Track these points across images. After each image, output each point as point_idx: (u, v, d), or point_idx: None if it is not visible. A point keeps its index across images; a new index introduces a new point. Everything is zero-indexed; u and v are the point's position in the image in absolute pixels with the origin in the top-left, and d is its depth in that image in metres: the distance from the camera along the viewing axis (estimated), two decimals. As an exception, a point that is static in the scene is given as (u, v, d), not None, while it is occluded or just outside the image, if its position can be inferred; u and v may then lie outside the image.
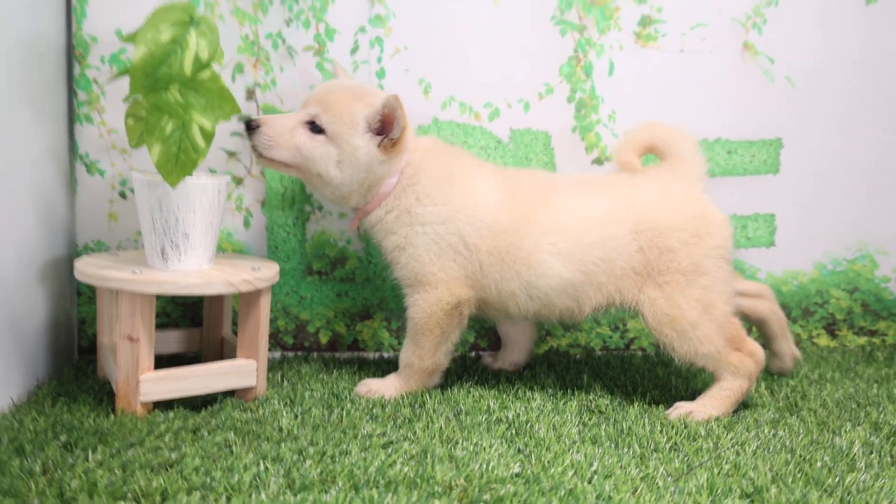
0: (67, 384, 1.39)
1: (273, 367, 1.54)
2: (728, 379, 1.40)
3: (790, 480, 1.08)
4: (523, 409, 1.35)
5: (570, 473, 1.07)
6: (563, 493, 1.00)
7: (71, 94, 1.52)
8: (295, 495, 0.97)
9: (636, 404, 1.41)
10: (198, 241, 1.32)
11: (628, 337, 1.77)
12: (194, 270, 1.32)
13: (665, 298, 1.40)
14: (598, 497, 1.00)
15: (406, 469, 1.06)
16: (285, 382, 1.47)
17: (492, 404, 1.36)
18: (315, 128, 1.37)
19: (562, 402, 1.41)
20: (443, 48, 1.62)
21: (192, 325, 1.61)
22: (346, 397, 1.39)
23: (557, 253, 1.40)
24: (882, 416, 1.37)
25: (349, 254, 1.64)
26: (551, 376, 1.56)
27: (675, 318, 1.39)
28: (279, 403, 1.34)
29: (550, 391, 1.47)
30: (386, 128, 1.37)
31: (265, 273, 1.36)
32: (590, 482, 1.05)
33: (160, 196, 1.27)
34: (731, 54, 1.72)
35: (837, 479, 1.08)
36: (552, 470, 1.08)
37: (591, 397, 1.44)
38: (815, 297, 1.82)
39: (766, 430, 1.29)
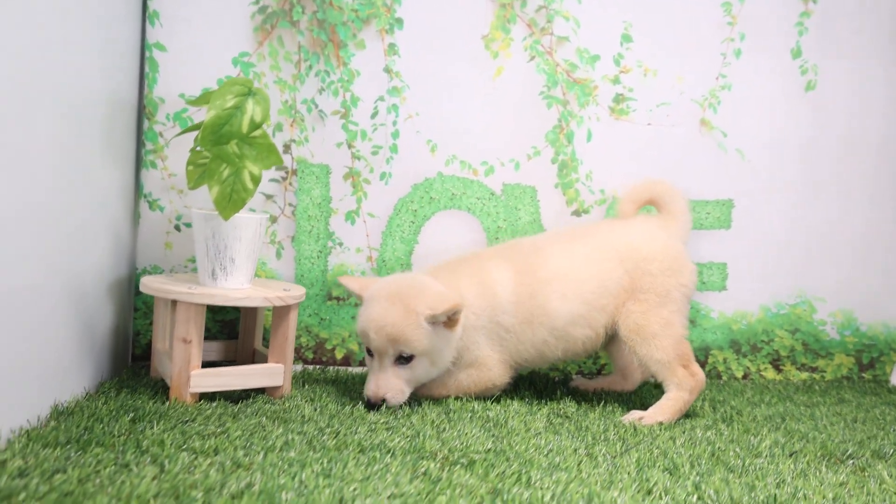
0: (127, 381, 1.69)
1: (296, 375, 1.84)
2: (673, 390, 1.69)
3: (703, 462, 1.36)
4: (502, 410, 1.63)
5: (532, 450, 1.35)
6: (522, 460, 1.29)
7: (139, 144, 1.86)
8: (316, 453, 1.26)
9: (598, 412, 1.70)
10: (242, 264, 1.63)
11: (600, 363, 2.06)
12: (238, 288, 1.63)
13: (639, 312, 1.71)
14: (549, 465, 1.28)
15: (403, 442, 1.35)
16: (306, 386, 1.76)
17: (476, 406, 1.65)
18: (402, 360, 1.61)
19: (535, 407, 1.69)
20: (448, 115, 1.95)
21: (229, 338, 1.91)
22: (357, 398, 1.68)
23: (562, 296, 1.72)
24: (797, 426, 1.65)
25: (363, 283, 1.95)
26: (530, 391, 1.85)
27: (643, 327, 1.70)
28: (301, 400, 1.63)
29: (527, 401, 1.75)
30: (450, 318, 1.62)
31: (294, 293, 1.67)
32: (545, 455, 1.33)
33: (214, 227, 1.60)
34: (690, 128, 2.04)
35: (741, 462, 1.36)
36: (517, 448, 1.36)
37: (560, 406, 1.72)
38: (761, 336, 2.10)
39: (697, 432, 1.57)
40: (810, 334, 2.12)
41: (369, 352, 1.64)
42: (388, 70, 1.92)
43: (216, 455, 1.24)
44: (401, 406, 1.62)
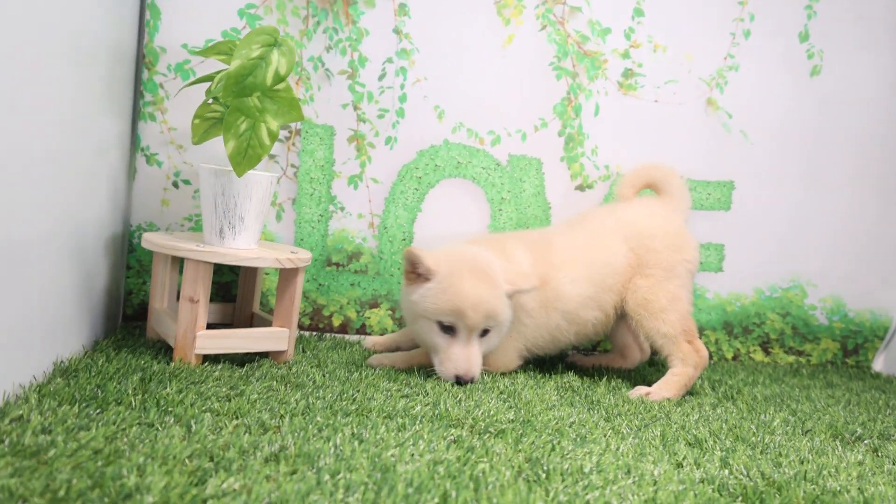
0: (124, 341, 1.62)
1: (295, 341, 1.78)
2: (678, 365, 1.70)
3: (724, 437, 1.36)
4: (510, 382, 1.62)
5: (555, 422, 1.34)
6: (550, 430, 1.27)
7: (137, 94, 1.77)
8: (343, 418, 1.23)
9: (602, 386, 1.69)
10: (250, 224, 1.57)
11: (593, 341, 2.06)
12: (247, 248, 1.57)
13: (646, 286, 1.72)
14: (577, 436, 1.27)
15: (425, 409, 1.32)
16: (307, 352, 1.71)
17: (485, 377, 1.63)
18: (485, 332, 1.59)
19: (541, 380, 1.68)
20: (456, 81, 1.91)
21: (224, 300, 1.85)
22: (363, 366, 1.64)
23: (573, 280, 1.72)
24: (799, 406, 1.67)
25: (364, 250, 1.91)
26: (532, 365, 1.84)
27: (650, 301, 1.71)
28: (307, 365, 1.59)
29: (530, 374, 1.74)
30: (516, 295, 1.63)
31: (302, 255, 1.61)
32: (570, 427, 1.32)
33: (224, 184, 1.53)
34: (696, 107, 2.05)
35: (760, 439, 1.37)
36: (540, 418, 1.35)
37: (565, 379, 1.71)
38: (753, 318, 2.13)
39: (707, 409, 1.58)
40: (800, 318, 2.16)
41: (446, 328, 1.56)
42: (397, 31, 1.87)
43: (238, 417, 1.19)
44: (409, 375, 1.59)
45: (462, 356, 1.56)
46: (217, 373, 1.44)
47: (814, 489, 1.14)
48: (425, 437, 1.18)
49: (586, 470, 1.11)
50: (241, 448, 1.06)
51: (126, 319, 1.81)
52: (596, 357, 1.95)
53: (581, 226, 1.81)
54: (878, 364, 2.24)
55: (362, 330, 1.93)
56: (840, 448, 1.38)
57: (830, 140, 2.12)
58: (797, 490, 1.13)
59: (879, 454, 1.38)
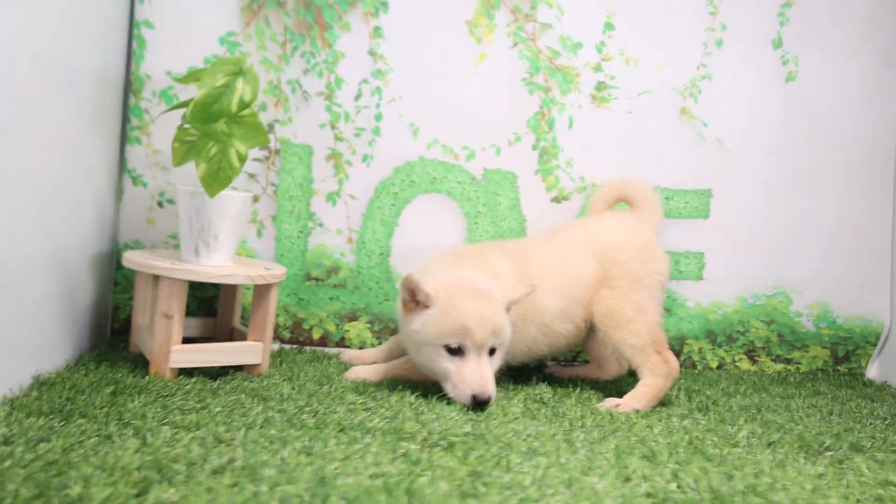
0: (106, 354, 1.68)
1: (273, 354, 1.84)
2: (648, 377, 1.72)
3: (681, 450, 1.38)
4: (480, 394, 1.65)
5: (510, 434, 1.38)
6: (501, 444, 1.31)
7: (125, 119, 1.84)
8: (296, 431, 1.28)
9: (574, 398, 1.72)
10: (225, 242, 1.63)
11: (574, 350, 2.09)
12: (220, 265, 1.63)
13: (613, 298, 1.74)
14: (528, 449, 1.30)
15: (382, 423, 1.37)
16: (283, 365, 1.76)
17: (454, 389, 1.67)
18: (492, 350, 1.60)
19: (511, 392, 1.71)
20: (431, 99, 1.96)
21: (207, 315, 1.91)
22: (335, 379, 1.69)
23: (549, 293, 1.75)
24: (774, 417, 1.68)
25: (342, 265, 1.96)
26: (505, 376, 1.86)
27: (616, 312, 1.73)
28: (280, 378, 1.64)
29: (503, 386, 1.77)
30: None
31: (275, 272, 1.67)
32: (524, 440, 1.35)
33: (198, 204, 1.59)
34: (670, 117, 2.07)
35: (719, 451, 1.39)
36: (495, 431, 1.38)
37: (536, 391, 1.74)
38: (737, 326, 2.14)
39: (674, 421, 1.60)
40: (786, 326, 2.16)
41: (454, 351, 1.56)
42: (372, 53, 1.92)
43: (197, 430, 1.25)
44: (379, 387, 1.64)
45: (475, 375, 1.54)
46: (188, 386, 1.50)
47: (759, 502, 1.16)
48: (374, 450, 1.22)
49: (526, 483, 1.14)
50: (191, 460, 1.11)
51: (114, 334, 1.88)
52: (574, 369, 1.98)
53: (553, 239, 1.85)
54: (872, 371, 2.23)
55: (342, 343, 1.98)
56: (802, 460, 1.39)
57: (811, 145, 2.13)
58: (741, 503, 1.15)
59: (843, 466, 1.38)
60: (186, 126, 1.58)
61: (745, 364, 2.16)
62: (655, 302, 1.79)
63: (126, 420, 1.25)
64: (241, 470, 1.09)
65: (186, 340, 1.82)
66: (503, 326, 1.60)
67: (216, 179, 1.51)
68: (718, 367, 2.15)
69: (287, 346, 1.95)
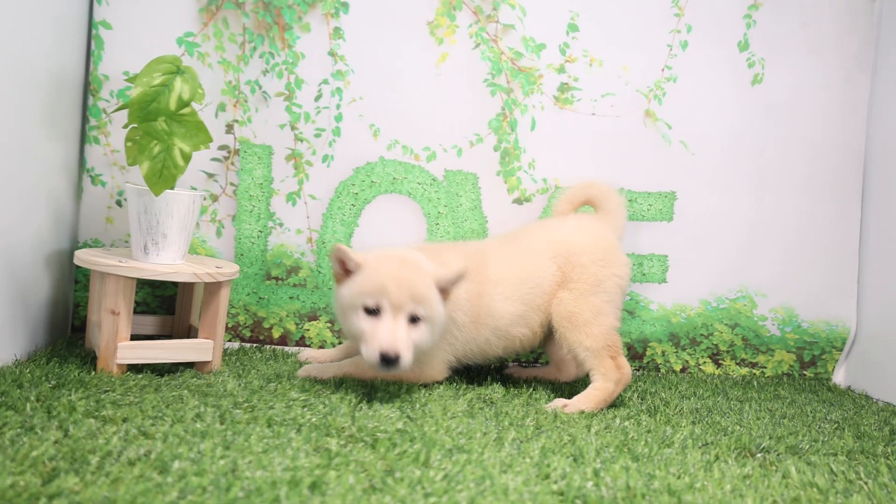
0: (60, 350, 1.71)
1: (233, 353, 1.86)
2: (599, 380, 1.71)
3: (611, 450, 1.38)
4: (426, 393, 1.66)
5: (440, 432, 1.38)
6: (425, 441, 1.31)
7: (84, 119, 1.87)
8: (222, 425, 1.29)
9: (524, 398, 1.72)
10: (173, 240, 1.65)
11: (537, 352, 2.08)
12: (169, 263, 1.65)
13: (571, 299, 1.74)
14: (452, 446, 1.30)
15: (314, 419, 1.37)
16: (238, 363, 1.78)
17: (401, 389, 1.67)
18: (414, 319, 1.58)
19: (461, 391, 1.72)
20: (391, 99, 1.97)
21: (167, 313, 1.93)
22: (285, 376, 1.70)
23: (505, 298, 1.75)
24: (721, 420, 1.67)
25: (303, 264, 1.97)
26: (458, 376, 1.87)
27: (574, 314, 1.73)
28: (228, 375, 1.65)
29: (455, 385, 1.77)
30: (449, 286, 1.64)
31: (226, 270, 1.69)
32: (451, 438, 1.35)
33: (146, 203, 1.61)
34: (634, 119, 2.06)
35: (648, 452, 1.38)
36: (426, 429, 1.39)
37: (487, 391, 1.74)
38: (700, 329, 2.13)
39: (616, 422, 1.59)
40: (750, 329, 2.15)
41: (371, 311, 1.56)
42: (332, 54, 1.94)
43: (124, 423, 1.26)
44: (326, 384, 1.65)
45: (386, 332, 1.53)
46: (132, 382, 1.52)
47: (671, 500, 1.16)
48: (295, 445, 1.23)
49: (437, 479, 1.14)
50: (107, 452, 1.13)
51: (75, 331, 1.91)
52: (533, 370, 1.98)
53: (514, 242, 1.84)
54: (839, 376, 2.20)
55: (302, 342, 1.99)
56: (732, 462, 1.38)
57: (776, 148, 2.11)
58: (653, 501, 1.14)
59: (773, 468, 1.38)
60: (135, 126, 1.60)
61: (709, 368, 2.14)
62: (614, 306, 1.78)
63: (54, 413, 1.27)
64: (153, 461, 1.11)
65: (146, 337, 1.85)
66: (425, 295, 1.57)
67: (161, 178, 1.53)
68: (682, 371, 2.13)
69: (247, 345, 1.97)
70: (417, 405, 1.56)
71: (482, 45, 1.99)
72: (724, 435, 1.55)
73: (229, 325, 1.96)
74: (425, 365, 1.73)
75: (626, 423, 1.58)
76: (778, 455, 1.45)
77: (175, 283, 1.92)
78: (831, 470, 1.39)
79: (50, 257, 1.74)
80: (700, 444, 1.47)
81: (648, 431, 1.53)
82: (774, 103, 2.10)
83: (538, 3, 2.00)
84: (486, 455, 1.28)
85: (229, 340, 1.96)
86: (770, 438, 1.54)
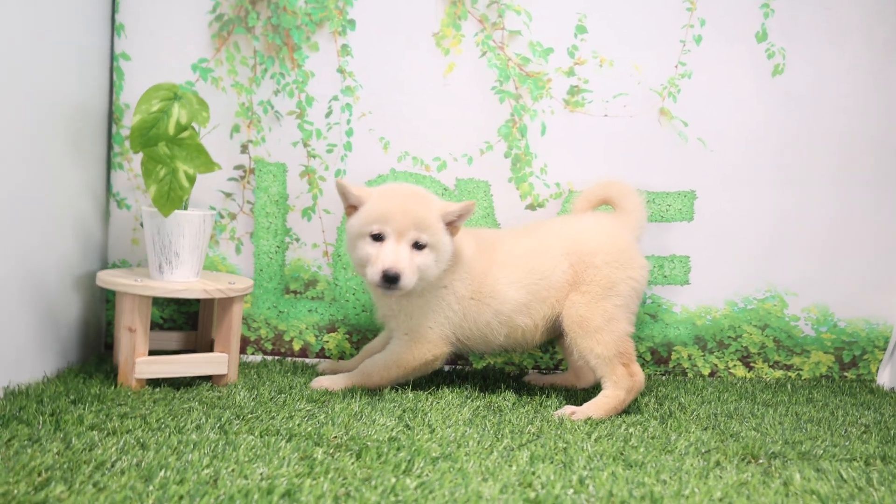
0: (89, 368, 1.80)
1: (255, 366, 1.92)
2: (610, 388, 1.69)
3: (603, 458, 1.36)
4: (434, 401, 1.66)
5: (432, 441, 1.39)
6: (413, 449, 1.32)
7: (109, 147, 1.97)
8: (218, 435, 1.34)
9: (533, 406, 1.71)
10: (186, 259, 1.72)
11: (557, 358, 2.07)
12: (182, 281, 1.72)
13: (583, 303, 1.72)
14: (440, 455, 1.31)
15: (309, 428, 1.41)
16: (256, 375, 1.83)
17: (406, 397, 1.69)
18: (419, 245, 1.66)
19: (469, 400, 1.72)
20: (400, 112, 1.99)
21: (192, 329, 2.01)
22: (297, 388, 1.74)
23: (510, 283, 1.75)
24: (736, 425, 1.61)
25: (320, 278, 2.02)
26: (477, 384, 1.87)
27: (586, 320, 1.71)
28: (242, 388, 1.71)
29: (467, 393, 1.78)
30: (456, 220, 1.71)
31: (238, 286, 1.75)
32: (441, 446, 1.36)
33: (158, 224, 1.69)
34: (649, 119, 2.03)
35: (642, 459, 1.36)
36: (419, 437, 1.40)
37: (497, 399, 1.74)
38: (728, 332, 2.07)
39: (622, 429, 1.56)
40: (782, 330, 2.07)
41: (377, 237, 1.64)
42: (341, 70, 1.98)
43: (125, 435, 1.32)
44: (334, 395, 1.68)
45: (389, 253, 1.61)
46: (147, 396, 1.59)
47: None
48: (281, 454, 1.27)
49: (412, 486, 1.16)
50: (101, 462, 1.19)
51: (108, 348, 2.01)
52: (552, 377, 1.96)
53: (529, 234, 1.83)
54: (884, 377, 2.10)
55: (322, 354, 2.03)
56: (732, 469, 1.34)
57: (802, 140, 2.04)
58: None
59: (776, 474, 1.33)
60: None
61: (740, 371, 2.08)
62: (628, 311, 1.75)
63: (62, 426, 1.34)
64: (141, 471, 1.16)
65: (172, 353, 1.93)
66: (429, 223, 1.65)
67: (168, 200, 1.60)
68: (711, 375, 2.08)
69: (269, 358, 2.02)
70: (420, 414, 1.57)
71: (489, 52, 2.00)
72: (735, 441, 1.50)
73: (251, 339, 2.02)
74: (419, 333, 1.72)
75: (632, 430, 1.55)
76: (785, 461, 1.40)
77: (198, 300, 1.99)
78: (840, 476, 1.33)
79: (79, 279, 1.84)
80: (703, 450, 1.44)
81: (652, 438, 1.50)
82: (797, 95, 2.03)
83: (544, 7, 1.99)
84: (471, 463, 1.29)
85: (252, 354, 2.02)
86: (784, 444, 1.49)
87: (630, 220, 1.86)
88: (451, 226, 1.70)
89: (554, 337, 1.85)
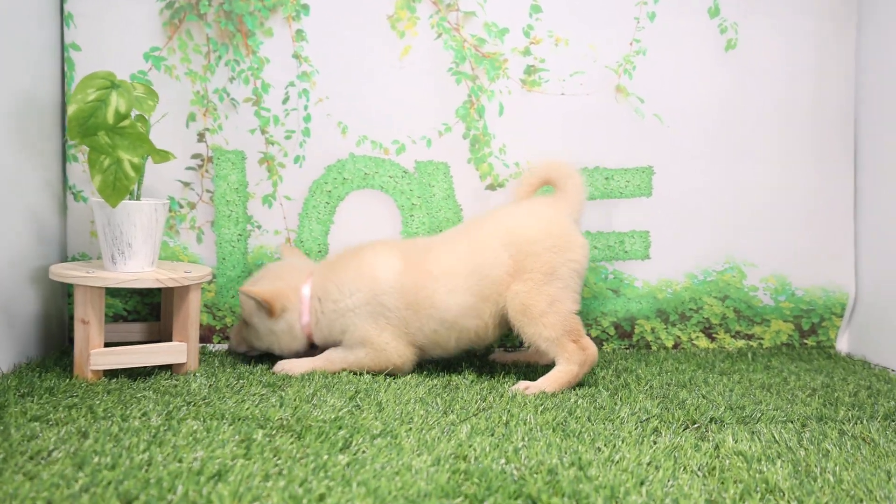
0: (48, 363, 1.81)
1: (219, 354, 1.92)
2: (562, 364, 1.69)
3: (542, 429, 1.37)
4: (390, 382, 1.67)
5: (376, 420, 1.40)
6: (354, 428, 1.33)
7: (64, 139, 1.97)
8: (167, 423, 1.34)
9: (490, 383, 1.72)
10: (139, 249, 1.72)
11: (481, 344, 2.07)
12: (135, 272, 1.73)
13: (525, 292, 1.72)
14: (381, 431, 1.32)
15: (256, 411, 1.42)
16: (219, 364, 1.84)
17: (362, 379, 1.69)
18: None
19: (427, 379, 1.73)
20: (357, 96, 1.99)
21: (156, 320, 2.02)
22: (258, 374, 1.75)
23: (449, 291, 1.75)
24: (681, 393, 1.63)
25: (281, 264, 2.02)
26: (440, 364, 1.87)
27: (529, 307, 1.70)
28: (200, 376, 1.71)
29: (426, 373, 1.79)
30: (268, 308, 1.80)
31: (194, 274, 1.75)
32: (383, 423, 1.37)
33: (108, 215, 1.69)
34: (605, 96, 2.02)
35: (580, 428, 1.36)
36: (363, 417, 1.41)
37: (456, 378, 1.75)
38: (689, 304, 2.07)
39: (571, 400, 1.57)
40: (741, 301, 2.08)
41: None
42: (296, 56, 1.98)
43: (68, 425, 1.33)
44: (289, 379, 1.69)
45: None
46: (102, 386, 1.60)
47: (577, 474, 1.14)
48: (220, 437, 1.28)
49: (343, 463, 1.17)
50: (36, 451, 1.20)
51: (71, 342, 2.01)
52: (517, 354, 1.97)
53: (464, 235, 1.82)
54: (843, 344, 2.11)
55: (285, 339, 2.04)
56: (667, 434, 1.35)
57: (755, 114, 2.04)
58: (557, 475, 1.13)
59: (708, 438, 1.34)
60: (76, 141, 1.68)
61: (703, 342, 2.08)
62: (571, 290, 1.74)
63: (4, 418, 1.35)
64: (76, 458, 1.17)
65: (135, 344, 1.93)
66: (241, 300, 1.86)
67: (114, 190, 1.60)
68: (675, 347, 2.08)
69: (234, 345, 2.03)
70: (373, 394, 1.58)
71: (444, 34, 1.99)
72: (680, 408, 1.51)
73: (217, 328, 2.03)
74: (375, 349, 1.74)
75: (581, 401, 1.56)
76: (723, 425, 1.41)
77: (160, 291, 2.00)
78: (773, 437, 1.34)
79: (35, 273, 1.84)
80: (644, 418, 1.44)
81: (599, 409, 1.51)
82: (751, 68, 2.03)
83: (498, -12, 1.98)
84: (410, 439, 1.29)
85: (219, 342, 2.03)
86: (727, 409, 1.50)
87: (569, 201, 1.84)
88: (265, 306, 1.79)
89: (510, 329, 1.85)
